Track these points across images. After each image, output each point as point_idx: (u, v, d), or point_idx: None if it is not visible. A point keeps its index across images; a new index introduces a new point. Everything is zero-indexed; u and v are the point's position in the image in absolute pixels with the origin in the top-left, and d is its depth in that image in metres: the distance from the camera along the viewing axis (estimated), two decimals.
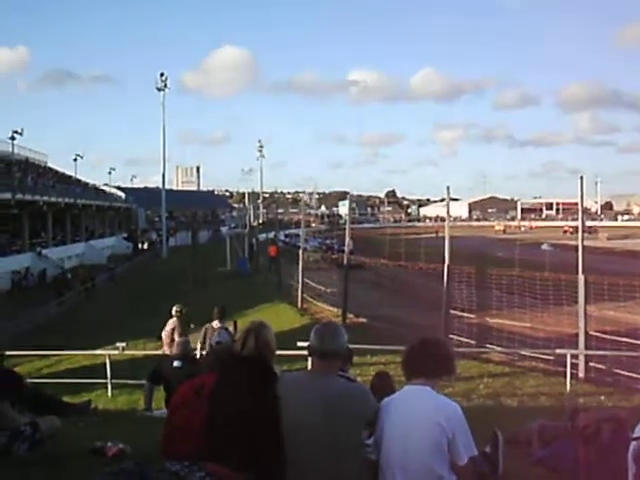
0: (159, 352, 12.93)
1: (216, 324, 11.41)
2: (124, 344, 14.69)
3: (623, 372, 13.59)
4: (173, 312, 12.62)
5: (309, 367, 3.95)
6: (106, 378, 13.86)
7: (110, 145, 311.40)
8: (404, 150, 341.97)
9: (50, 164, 68.65)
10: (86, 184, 70.83)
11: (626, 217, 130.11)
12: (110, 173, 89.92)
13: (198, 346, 10.99)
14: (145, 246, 70.49)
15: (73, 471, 4.74)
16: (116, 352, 14.53)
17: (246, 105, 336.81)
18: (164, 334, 12.61)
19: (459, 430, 3.40)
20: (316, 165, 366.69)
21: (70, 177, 68.86)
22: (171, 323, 12.54)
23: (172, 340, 11.87)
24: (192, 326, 12.46)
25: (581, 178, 14.62)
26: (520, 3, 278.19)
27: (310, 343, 3.68)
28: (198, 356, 10.28)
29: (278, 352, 4.03)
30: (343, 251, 26.05)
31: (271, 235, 59.01)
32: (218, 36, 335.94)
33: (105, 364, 13.97)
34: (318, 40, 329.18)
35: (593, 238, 60.98)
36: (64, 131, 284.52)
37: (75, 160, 75.47)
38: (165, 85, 69.03)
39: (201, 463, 3.84)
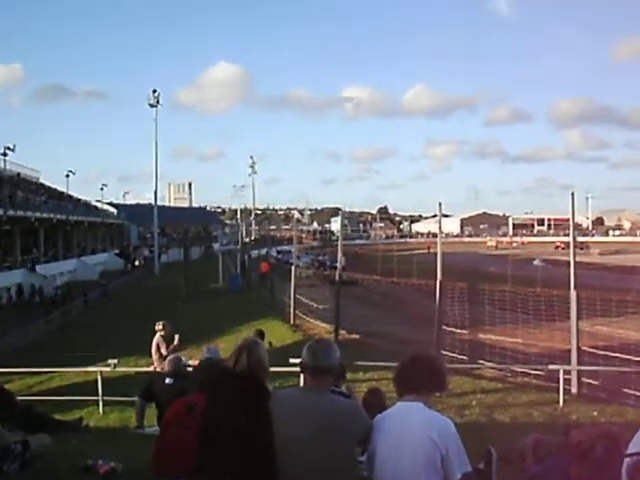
0: (151, 369, 12.87)
1: None
2: (116, 361, 14.62)
3: (616, 387, 13.60)
4: (156, 328, 12.58)
5: (302, 384, 3.95)
6: (98, 395, 13.78)
7: (103, 161, 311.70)
8: (397, 166, 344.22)
9: (42, 180, 68.69)
10: (78, 200, 70.73)
11: (617, 232, 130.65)
12: (102, 189, 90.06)
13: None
14: (137, 262, 70.32)
15: None
16: (108, 369, 14.46)
17: (240, 121, 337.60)
18: (152, 350, 12.59)
19: (452, 446, 3.39)
20: (309, 181, 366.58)
21: (62, 193, 68.77)
22: (155, 339, 12.51)
23: (160, 356, 11.87)
24: (176, 337, 12.36)
25: (572, 194, 14.72)
26: (512, 20, 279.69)
27: (302, 359, 3.67)
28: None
29: (271, 369, 4.03)
30: (335, 267, 26.05)
31: (263, 252, 59.00)
32: (213, 53, 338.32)
33: (97, 381, 13.89)
34: (312, 57, 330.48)
35: (585, 254, 61.11)
36: (57, 147, 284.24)
37: (67, 176, 75.59)
38: (158, 101, 69.25)
39: None
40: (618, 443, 5.23)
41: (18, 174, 59.71)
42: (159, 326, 12.55)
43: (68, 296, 41.13)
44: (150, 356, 13.01)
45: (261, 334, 12.31)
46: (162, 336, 12.45)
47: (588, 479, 5.13)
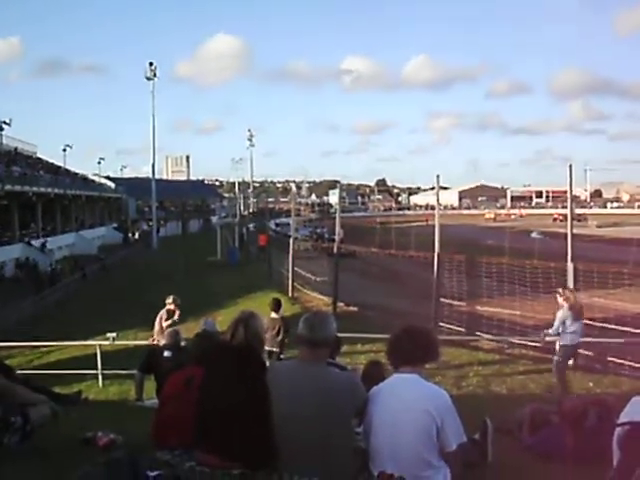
0: (150, 342, 12.92)
1: (273, 315, 11.68)
2: (115, 334, 14.68)
3: (612, 359, 13.68)
4: (166, 301, 12.58)
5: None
6: (97, 369, 13.85)
7: (101, 135, 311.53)
8: (396, 138, 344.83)
9: (40, 155, 68.31)
10: (75, 174, 70.39)
11: (615, 205, 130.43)
12: (100, 163, 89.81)
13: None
14: (136, 236, 70.24)
15: (64, 462, 4.73)
16: (107, 342, 14.53)
17: (238, 94, 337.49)
18: (156, 322, 12.61)
19: (448, 417, 3.42)
20: (308, 154, 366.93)
21: (59, 167, 68.43)
22: (161, 312, 12.54)
23: (161, 328, 11.92)
24: (177, 312, 12.38)
25: (570, 166, 14.65)
26: None
27: (299, 332, 3.68)
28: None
29: None
30: (333, 240, 26.02)
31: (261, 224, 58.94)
32: (212, 25, 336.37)
33: (96, 354, 13.96)
34: (311, 29, 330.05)
35: (582, 226, 61.14)
36: (54, 121, 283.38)
37: (64, 150, 75.27)
38: (155, 74, 68.53)
39: (192, 453, 3.85)
40: (610, 411, 5.33)
41: (15, 149, 59.33)
42: (169, 299, 12.55)
43: (67, 270, 41.07)
44: (152, 328, 13.06)
45: (278, 303, 12.42)
46: (168, 310, 12.46)
47: (582, 447, 5.23)
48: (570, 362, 12.82)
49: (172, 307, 12.44)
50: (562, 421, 5.74)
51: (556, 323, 10.42)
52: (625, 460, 2.36)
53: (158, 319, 12.48)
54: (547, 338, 11.10)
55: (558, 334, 10.51)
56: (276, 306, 12.26)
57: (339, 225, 24.26)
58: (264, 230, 50.63)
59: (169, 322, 12.05)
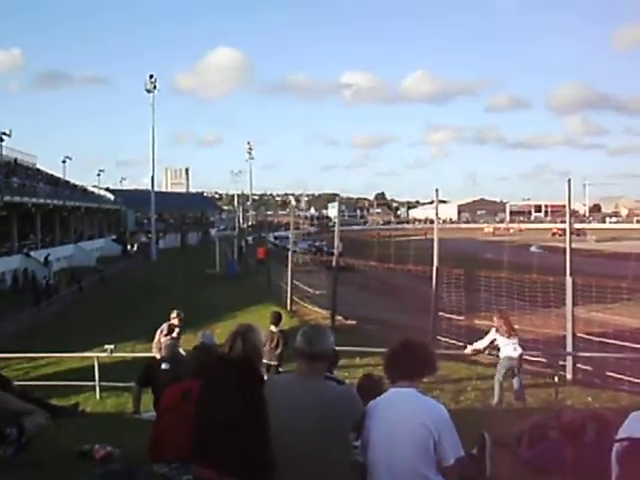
0: (148, 354, 12.85)
1: (273, 329, 11.68)
2: (112, 346, 14.62)
3: (610, 373, 13.65)
4: (171, 316, 12.33)
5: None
6: (94, 381, 13.79)
7: (100, 147, 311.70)
8: (395, 152, 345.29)
9: (39, 166, 68.38)
10: (75, 186, 70.47)
11: (614, 219, 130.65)
12: (99, 175, 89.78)
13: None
14: (134, 248, 70.20)
15: (60, 474, 4.73)
16: (105, 354, 14.47)
17: (238, 106, 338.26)
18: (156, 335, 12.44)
19: (445, 431, 3.41)
20: (307, 167, 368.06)
21: (59, 179, 68.50)
22: (163, 326, 12.34)
23: (159, 341, 11.77)
24: (176, 330, 12.15)
25: (569, 181, 14.66)
26: (513, 5, 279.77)
27: (297, 345, 3.68)
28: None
29: None
30: (332, 253, 26.00)
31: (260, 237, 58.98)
32: (213, 38, 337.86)
33: (93, 366, 13.90)
34: (312, 42, 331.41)
35: (581, 240, 61.26)
36: (54, 133, 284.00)
37: (64, 162, 75.36)
38: (155, 86, 68.75)
39: (189, 466, 3.85)
40: (609, 426, 5.32)
41: (15, 160, 59.43)
42: (173, 314, 12.29)
43: (64, 282, 40.97)
44: (151, 341, 12.92)
45: (278, 316, 12.41)
46: (170, 325, 12.21)
47: (581, 461, 5.21)
48: (569, 376, 12.87)
49: (176, 322, 12.22)
50: (561, 435, 5.73)
51: (484, 340, 11.60)
52: (624, 476, 2.35)
53: (159, 332, 12.36)
54: (469, 348, 12.20)
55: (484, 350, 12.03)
56: (276, 319, 12.26)
57: (338, 238, 24.25)
58: (263, 243, 50.64)
59: (167, 338, 11.86)
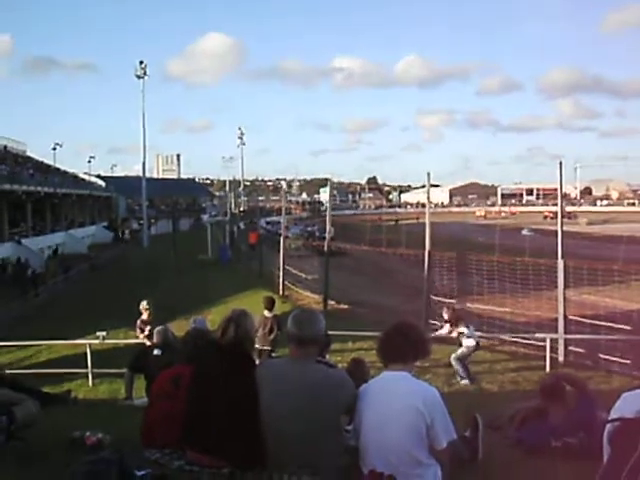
0: (140, 341, 12.82)
1: (266, 314, 11.77)
2: (104, 333, 14.60)
3: (602, 355, 13.73)
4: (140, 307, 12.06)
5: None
6: (87, 367, 13.77)
7: (91, 134, 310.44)
8: (387, 136, 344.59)
9: (29, 153, 67.97)
10: (65, 173, 70.07)
11: (605, 202, 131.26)
12: (90, 162, 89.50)
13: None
14: (126, 235, 70.00)
15: (51, 461, 4.70)
16: (97, 341, 14.45)
17: (230, 92, 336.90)
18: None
19: (438, 415, 3.41)
20: (299, 152, 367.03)
21: (49, 166, 68.10)
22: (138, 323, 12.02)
23: (142, 330, 11.51)
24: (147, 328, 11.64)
25: (560, 164, 14.67)
26: None
27: (288, 330, 3.66)
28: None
29: None
30: (324, 238, 25.98)
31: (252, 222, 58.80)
32: (203, 23, 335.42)
33: (86, 353, 13.87)
34: (303, 27, 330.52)
35: (573, 223, 61.51)
36: (44, 120, 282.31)
37: (54, 149, 74.94)
38: (145, 73, 68.23)
39: (181, 451, 3.84)
40: (583, 388, 5.57)
41: (4, 147, 59.07)
42: (143, 303, 11.97)
43: (52, 269, 40.70)
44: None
45: (272, 301, 12.43)
46: (141, 321, 11.85)
47: (563, 421, 5.33)
48: (560, 358, 12.93)
49: (145, 317, 11.81)
50: (544, 398, 5.85)
51: (442, 330, 12.47)
52: (615, 456, 2.35)
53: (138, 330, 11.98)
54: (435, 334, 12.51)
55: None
56: (270, 304, 12.28)
57: (330, 223, 24.20)
58: (255, 228, 50.52)
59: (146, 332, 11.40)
